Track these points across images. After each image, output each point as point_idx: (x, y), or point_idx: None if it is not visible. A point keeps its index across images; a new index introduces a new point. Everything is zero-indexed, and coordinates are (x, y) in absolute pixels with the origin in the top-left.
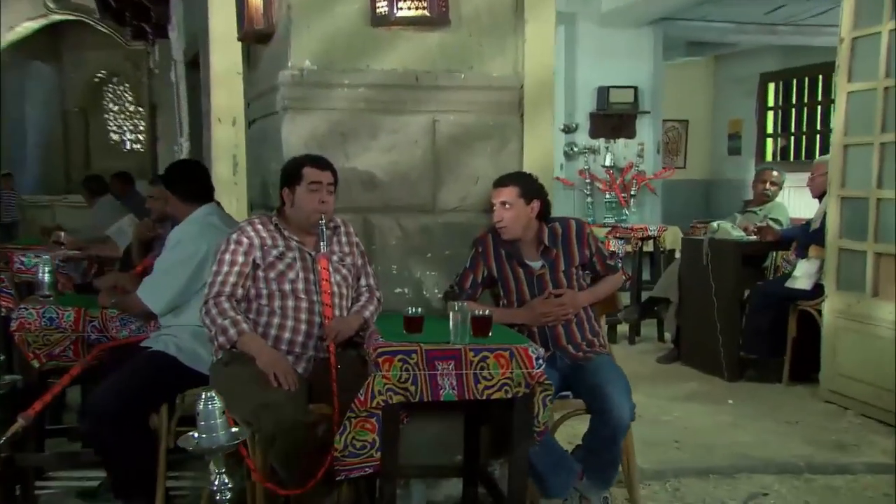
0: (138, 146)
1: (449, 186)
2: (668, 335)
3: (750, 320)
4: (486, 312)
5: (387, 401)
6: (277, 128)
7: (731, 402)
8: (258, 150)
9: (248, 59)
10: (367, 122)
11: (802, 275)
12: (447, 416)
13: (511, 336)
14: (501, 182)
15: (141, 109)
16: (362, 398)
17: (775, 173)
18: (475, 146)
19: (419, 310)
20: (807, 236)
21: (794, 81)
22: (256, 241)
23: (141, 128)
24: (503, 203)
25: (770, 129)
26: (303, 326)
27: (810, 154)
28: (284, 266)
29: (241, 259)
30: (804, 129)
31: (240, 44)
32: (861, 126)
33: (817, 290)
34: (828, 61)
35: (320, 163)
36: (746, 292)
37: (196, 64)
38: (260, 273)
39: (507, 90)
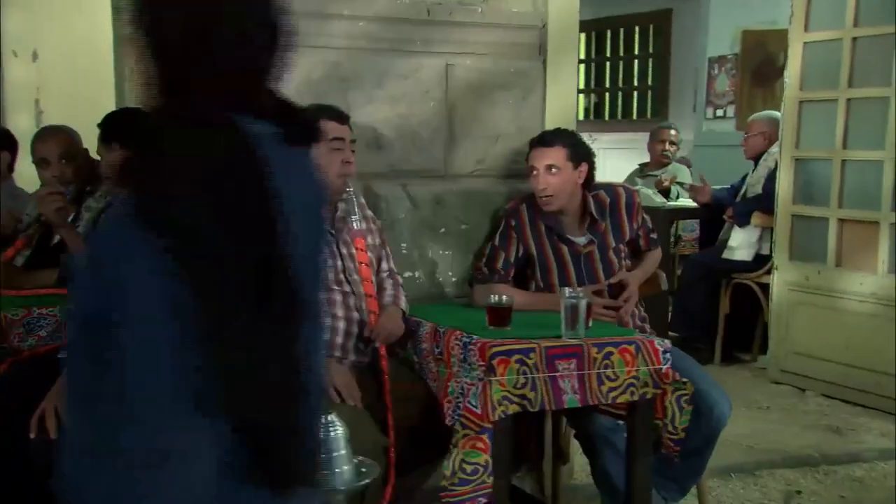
0: None
1: (464, 146)
2: None
3: (679, 296)
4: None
5: (505, 412)
6: None
7: None
8: None
9: None
10: (371, 64)
11: (741, 245)
12: None
13: (608, 327)
14: (545, 141)
15: None
16: (478, 411)
17: (673, 131)
18: (494, 97)
19: (503, 298)
20: (749, 202)
21: (608, 33)
22: None
23: None
24: (549, 167)
25: (582, 85)
26: (341, 325)
27: (627, 113)
28: None
29: None
30: (620, 84)
31: None
32: (820, 80)
33: (758, 262)
34: (644, 11)
35: (339, 115)
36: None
37: None
38: None
39: (528, 30)
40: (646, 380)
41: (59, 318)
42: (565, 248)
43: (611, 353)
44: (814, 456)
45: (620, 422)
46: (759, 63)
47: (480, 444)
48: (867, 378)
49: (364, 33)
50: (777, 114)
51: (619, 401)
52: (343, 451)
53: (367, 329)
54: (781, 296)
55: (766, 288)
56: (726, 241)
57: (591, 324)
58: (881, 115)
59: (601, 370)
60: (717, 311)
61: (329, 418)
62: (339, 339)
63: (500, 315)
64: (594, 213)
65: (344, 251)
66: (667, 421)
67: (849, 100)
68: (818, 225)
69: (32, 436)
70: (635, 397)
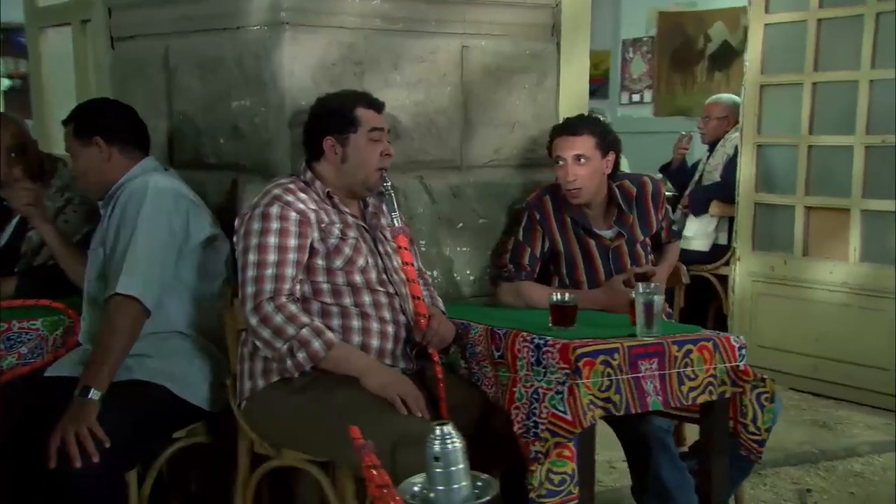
0: None
1: (480, 135)
2: None
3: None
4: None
5: (593, 418)
6: (259, 51)
7: None
8: (187, 81)
9: None
10: (387, 46)
11: (696, 234)
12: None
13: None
14: (572, 128)
15: None
16: (568, 417)
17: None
18: (510, 81)
19: (567, 295)
20: (707, 190)
21: None
22: (312, 216)
23: None
24: (577, 157)
25: None
26: (390, 329)
27: None
28: (351, 249)
29: (293, 242)
30: None
31: None
32: (784, 63)
33: (714, 252)
34: None
35: (376, 103)
36: None
37: None
38: (319, 261)
39: (542, 9)
40: (723, 378)
41: (42, 332)
42: (592, 243)
43: (690, 352)
44: (813, 452)
45: (675, 422)
46: (678, 46)
47: (567, 453)
48: (839, 370)
49: (377, 12)
50: (737, 98)
51: (698, 401)
52: (461, 466)
53: (417, 333)
54: (744, 287)
55: (724, 280)
56: (681, 231)
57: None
58: (850, 99)
59: (681, 369)
60: (671, 305)
61: (446, 429)
62: (390, 345)
63: (565, 314)
64: (622, 204)
65: (381, 249)
66: (747, 421)
67: (815, 83)
68: (783, 213)
69: (52, 466)
70: (714, 397)
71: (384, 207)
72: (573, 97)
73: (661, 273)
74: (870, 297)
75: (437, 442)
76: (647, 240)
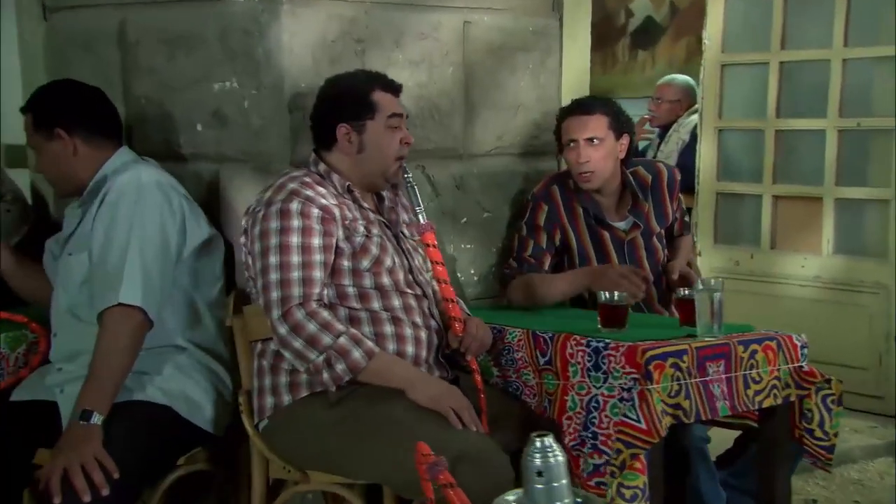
0: None
1: (483, 119)
2: None
3: None
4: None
5: (665, 426)
6: (250, 26)
7: None
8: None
9: None
10: (389, 21)
11: None
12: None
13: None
14: (584, 107)
15: None
16: (642, 425)
17: None
18: (513, 61)
19: (616, 295)
20: None
21: None
22: (336, 213)
23: None
24: (590, 139)
25: None
26: (423, 334)
27: None
28: (377, 248)
29: (317, 242)
30: None
31: None
32: (747, 41)
33: None
34: None
35: (394, 86)
36: None
37: None
38: (344, 262)
39: None
40: (787, 380)
41: (2, 350)
42: (607, 235)
43: (755, 352)
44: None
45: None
46: (596, 22)
47: (638, 465)
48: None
49: None
50: (690, 79)
51: (764, 405)
52: (564, 481)
53: (453, 339)
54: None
55: None
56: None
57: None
58: (821, 80)
59: (747, 371)
60: None
61: (547, 440)
62: (424, 352)
63: (615, 314)
64: (637, 192)
65: (404, 247)
66: (813, 426)
67: (782, 63)
68: (749, 203)
69: (58, 501)
70: (778, 400)
71: (401, 201)
72: (575, 78)
73: (692, 271)
74: (846, 292)
75: (538, 455)
76: (663, 232)
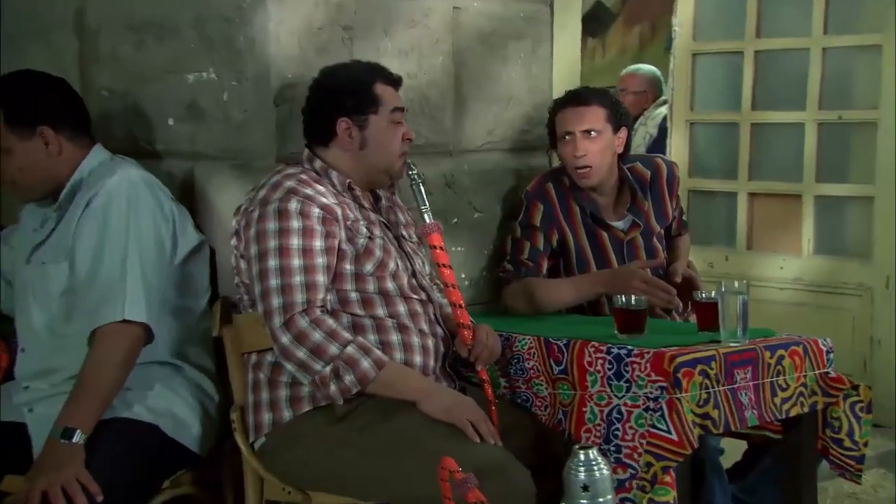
0: None
1: (474, 112)
2: None
3: None
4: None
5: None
6: (230, 13)
7: None
8: (115, 49)
9: None
10: (377, 7)
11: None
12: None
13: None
14: (581, 98)
15: None
16: (672, 436)
17: None
18: (505, 50)
19: (633, 298)
20: None
21: None
22: (338, 213)
23: None
24: (587, 131)
25: None
26: (430, 342)
27: None
28: (381, 251)
29: (319, 244)
30: None
31: None
32: (720, 28)
33: None
34: None
35: (394, 78)
36: None
37: None
38: (346, 266)
39: None
40: (813, 387)
41: None
42: (605, 235)
43: (782, 358)
44: None
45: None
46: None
47: (668, 479)
48: None
49: None
50: (656, 69)
51: (791, 414)
52: (609, 496)
53: (461, 348)
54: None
55: None
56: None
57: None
58: (799, 70)
59: (774, 378)
60: None
61: (591, 454)
62: (431, 362)
63: (634, 319)
64: (636, 189)
65: (406, 249)
66: (841, 436)
67: (757, 52)
68: (723, 201)
69: None
70: (805, 409)
71: (397, 200)
72: (566, 67)
73: (693, 271)
74: (828, 295)
75: (582, 468)
76: (662, 231)
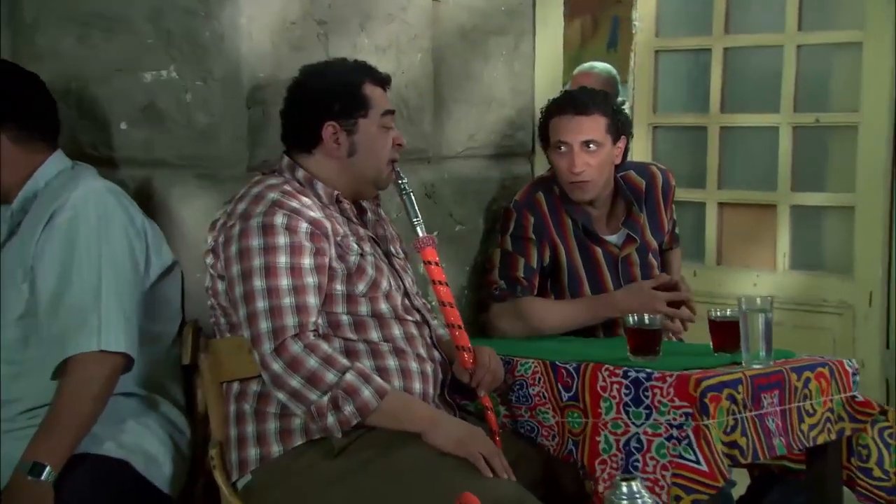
0: None
1: (455, 116)
2: None
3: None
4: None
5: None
6: (193, 5)
7: None
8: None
9: None
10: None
11: None
12: None
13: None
14: (580, 106)
15: None
16: (702, 467)
17: None
18: (486, 46)
19: (647, 317)
20: None
21: None
22: (328, 227)
23: None
24: (586, 143)
25: None
26: (429, 368)
27: None
28: (373, 269)
29: (308, 262)
30: None
31: None
32: (686, 23)
33: None
34: None
35: (382, 78)
36: None
37: None
38: (337, 287)
39: None
40: (840, 412)
41: None
42: (599, 251)
43: (808, 381)
44: None
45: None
46: None
47: None
48: None
49: None
50: (611, 67)
51: (818, 441)
52: None
53: (461, 373)
54: None
55: None
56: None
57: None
58: (772, 70)
59: (801, 402)
60: None
61: (634, 485)
62: (431, 389)
63: (649, 340)
64: (632, 201)
65: (398, 266)
66: (870, 465)
67: (727, 49)
68: (690, 212)
69: None
70: (832, 436)
71: (382, 213)
72: (549, 65)
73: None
74: (806, 313)
75: (625, 501)
76: (657, 247)
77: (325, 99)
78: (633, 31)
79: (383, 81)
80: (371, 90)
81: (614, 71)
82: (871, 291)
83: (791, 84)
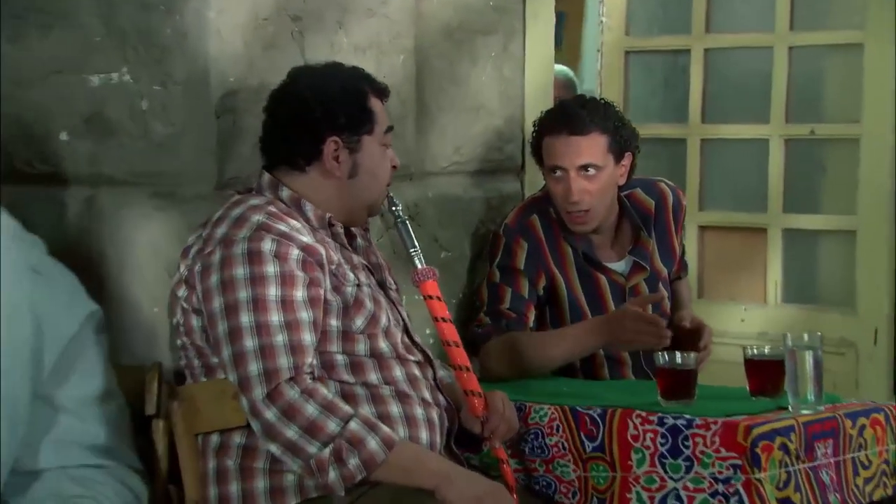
0: None
1: (439, 126)
2: None
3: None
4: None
5: None
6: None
7: None
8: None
9: None
10: None
11: None
12: None
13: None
14: (576, 124)
15: None
16: None
17: None
18: (473, 47)
19: (680, 356)
20: None
21: None
22: (322, 255)
23: None
24: (583, 168)
25: None
26: (434, 414)
27: None
28: (371, 302)
29: (301, 294)
30: None
31: None
32: (660, 22)
33: None
34: None
35: (382, 89)
36: None
37: None
38: (332, 322)
39: None
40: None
41: None
42: (603, 280)
43: (863, 428)
44: None
45: None
46: None
47: None
48: None
49: None
50: (569, 70)
51: (875, 497)
52: None
53: (470, 420)
54: None
55: None
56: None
57: None
58: (761, 74)
59: (855, 453)
60: None
61: None
62: (438, 438)
63: (682, 381)
64: (640, 225)
65: (394, 298)
66: None
67: (707, 50)
68: None
69: None
70: (888, 491)
71: (371, 240)
72: (540, 69)
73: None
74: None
75: None
76: (668, 276)
77: (330, 110)
78: (601, 30)
79: (383, 92)
80: (374, 103)
81: (571, 73)
82: (876, 328)
83: (782, 91)
